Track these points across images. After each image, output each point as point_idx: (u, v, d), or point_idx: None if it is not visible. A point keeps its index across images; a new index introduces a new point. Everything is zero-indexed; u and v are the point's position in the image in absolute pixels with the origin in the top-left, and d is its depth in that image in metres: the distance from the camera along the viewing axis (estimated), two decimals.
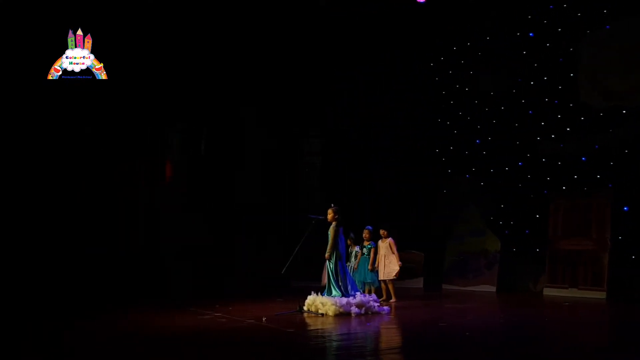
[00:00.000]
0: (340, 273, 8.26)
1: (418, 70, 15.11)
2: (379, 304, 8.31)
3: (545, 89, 13.23)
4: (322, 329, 6.90)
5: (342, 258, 8.41)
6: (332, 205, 8.57)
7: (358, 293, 8.38)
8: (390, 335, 6.76)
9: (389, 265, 9.94)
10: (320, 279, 13.35)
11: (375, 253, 10.08)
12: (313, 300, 8.19)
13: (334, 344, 5.98)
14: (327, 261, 8.29)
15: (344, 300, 7.96)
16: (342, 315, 7.82)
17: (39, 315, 7.93)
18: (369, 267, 9.93)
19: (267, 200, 14.49)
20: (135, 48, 11.40)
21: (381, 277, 10.01)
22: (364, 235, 10.27)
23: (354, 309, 7.89)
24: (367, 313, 8.02)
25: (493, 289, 12.22)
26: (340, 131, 15.70)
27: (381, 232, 10.22)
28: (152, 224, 12.27)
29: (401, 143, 15.02)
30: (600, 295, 10.48)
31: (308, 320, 7.56)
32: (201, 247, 13.39)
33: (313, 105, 15.35)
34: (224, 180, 13.68)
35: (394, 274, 9.93)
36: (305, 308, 8.19)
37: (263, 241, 14.47)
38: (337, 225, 8.37)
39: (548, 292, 11.40)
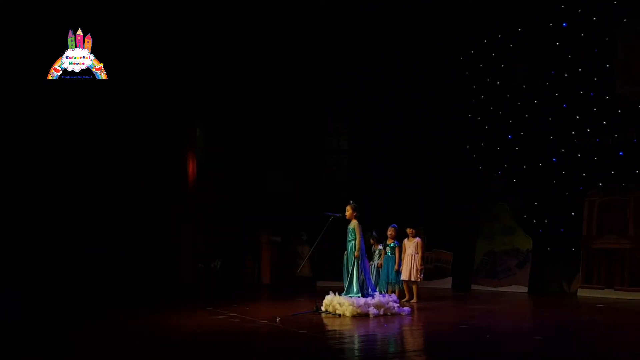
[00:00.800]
0: (363, 272, 7.98)
1: (435, 64, 14.76)
2: (398, 305, 7.99)
3: (580, 81, 12.68)
4: (336, 330, 6.64)
5: (364, 256, 8.14)
6: (351, 202, 8.30)
7: (376, 293, 8.08)
8: (404, 338, 6.43)
9: (415, 265, 9.61)
10: (341, 278, 13.20)
11: (400, 252, 9.76)
12: (331, 301, 7.93)
13: (345, 346, 5.70)
14: (355, 259, 8.00)
15: (362, 300, 7.67)
16: (360, 316, 7.54)
17: (46, 314, 7.91)
18: (395, 267, 9.62)
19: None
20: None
21: (405, 277, 9.68)
22: (388, 233, 9.96)
23: (372, 310, 7.59)
24: (385, 314, 7.71)
25: (525, 289, 11.73)
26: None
27: (408, 230, 9.90)
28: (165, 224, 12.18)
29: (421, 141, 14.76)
30: (639, 296, 9.90)
31: (324, 321, 7.30)
32: (228, 246, 13.35)
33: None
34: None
35: (419, 275, 9.61)
36: (322, 308, 7.95)
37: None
38: (359, 222, 8.10)
39: (583, 292, 10.85)
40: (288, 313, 7.67)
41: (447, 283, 13.00)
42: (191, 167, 13.43)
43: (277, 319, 7.17)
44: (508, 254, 12.31)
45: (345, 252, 8.25)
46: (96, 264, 10.76)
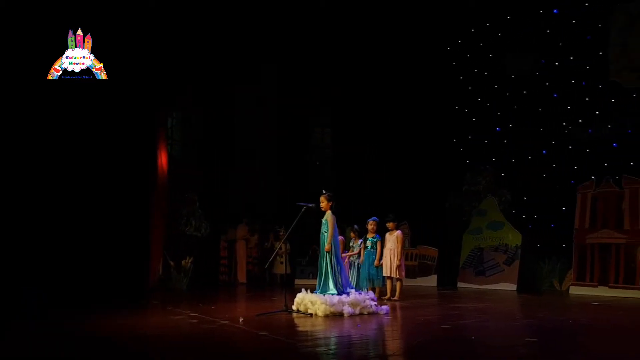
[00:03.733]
0: (338, 267, 7.26)
1: (421, 54, 14.18)
2: (376, 303, 7.27)
3: (571, 69, 12.11)
4: (304, 331, 5.92)
5: (338, 251, 7.41)
6: (324, 192, 7.58)
7: (352, 290, 7.37)
8: (380, 340, 5.72)
9: (395, 261, 8.91)
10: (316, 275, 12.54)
11: (382, 246, 9.07)
12: (302, 299, 7.22)
13: (310, 349, 4.98)
14: (326, 254, 7.28)
15: (336, 298, 6.95)
16: (334, 315, 6.82)
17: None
18: (375, 262, 8.93)
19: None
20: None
21: (386, 273, 8.99)
22: (368, 227, 9.25)
23: (347, 309, 6.87)
24: (361, 313, 7.00)
25: (513, 287, 11.08)
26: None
27: (388, 224, 9.20)
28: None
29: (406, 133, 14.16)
30: (634, 294, 9.28)
31: (293, 322, 6.57)
32: (202, 243, 12.58)
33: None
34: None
35: (399, 271, 8.91)
36: (294, 307, 7.23)
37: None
38: (334, 214, 7.39)
39: (575, 290, 10.22)
40: (255, 313, 6.94)
41: (432, 281, 12.33)
42: (164, 160, 12.65)
43: (240, 320, 6.45)
44: (496, 250, 11.66)
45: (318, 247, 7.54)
46: (65, 262, 10.22)
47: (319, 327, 6.14)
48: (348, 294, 7.14)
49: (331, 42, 14.06)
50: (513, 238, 11.51)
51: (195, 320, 6.52)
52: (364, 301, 7.09)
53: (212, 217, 12.32)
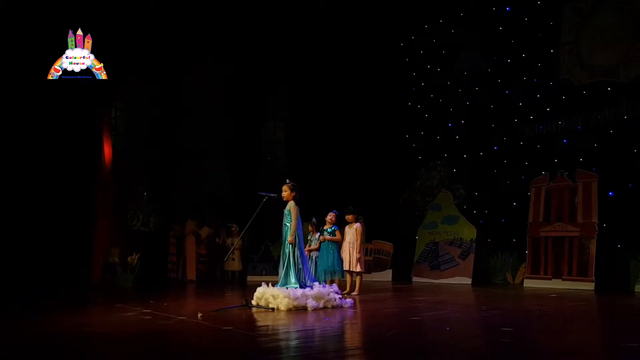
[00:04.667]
0: (301, 260, 6.95)
1: (374, 50, 14.09)
2: (340, 297, 7.02)
3: (523, 67, 12.27)
4: (268, 325, 5.58)
5: (302, 243, 7.10)
6: (288, 181, 7.25)
7: (316, 283, 7.07)
8: (356, 332, 5.45)
9: (355, 254, 8.68)
10: (276, 272, 12.16)
11: (342, 235, 8.81)
12: (262, 293, 6.87)
13: (278, 344, 4.67)
14: (289, 246, 6.95)
15: (299, 292, 6.64)
16: (297, 309, 6.51)
17: None
18: (342, 246, 8.66)
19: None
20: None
21: (346, 267, 8.75)
22: (327, 218, 8.97)
23: (310, 302, 6.58)
24: (325, 307, 6.73)
25: (468, 281, 11.09)
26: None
27: (347, 217, 8.95)
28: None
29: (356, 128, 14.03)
30: (587, 286, 9.42)
31: (254, 316, 6.22)
32: (151, 238, 12.00)
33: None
34: None
35: (358, 265, 8.69)
36: (253, 302, 6.87)
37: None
38: (297, 204, 7.07)
39: (529, 283, 10.31)
40: (212, 309, 6.54)
41: (387, 276, 12.22)
42: (107, 152, 11.99)
43: (199, 315, 6.04)
44: (451, 244, 11.65)
45: (281, 239, 7.20)
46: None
47: (284, 321, 5.81)
48: (312, 287, 6.84)
49: (284, 35, 13.77)
50: (468, 232, 11.53)
51: (148, 317, 6.07)
52: (328, 294, 6.82)
53: (161, 212, 11.73)
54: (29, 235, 10.24)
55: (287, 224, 7.06)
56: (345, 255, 8.79)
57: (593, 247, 9.57)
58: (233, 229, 12.86)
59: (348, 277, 8.82)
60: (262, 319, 5.99)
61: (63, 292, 9.25)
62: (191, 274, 12.68)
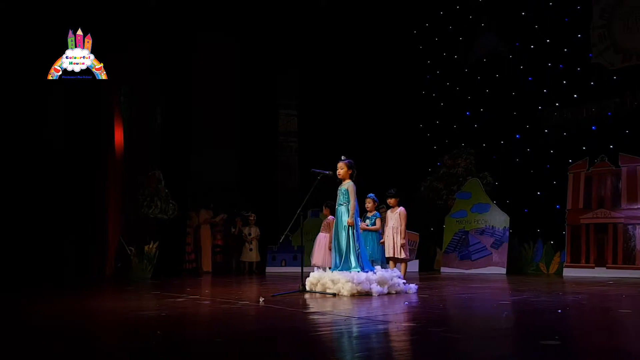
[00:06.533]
0: (359, 243, 6.42)
1: (388, 37, 13.68)
2: (404, 281, 6.50)
3: (547, 52, 11.89)
4: (346, 309, 5.03)
5: (358, 225, 6.57)
6: (344, 157, 6.72)
7: (378, 267, 6.57)
8: (460, 316, 4.91)
9: (399, 240, 8.17)
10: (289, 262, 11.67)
11: (383, 223, 8.30)
12: (318, 279, 6.34)
13: (384, 326, 4.12)
14: (348, 228, 6.42)
15: (363, 275, 6.11)
16: (360, 295, 5.99)
17: None
18: (382, 238, 8.15)
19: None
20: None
21: (389, 253, 8.24)
22: (366, 205, 8.45)
23: (375, 287, 6.06)
24: (389, 292, 6.22)
25: (502, 270, 10.67)
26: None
27: (389, 200, 8.43)
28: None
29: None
30: (635, 274, 9.04)
31: (323, 302, 5.64)
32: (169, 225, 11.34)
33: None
34: None
35: (404, 252, 8.19)
36: (307, 288, 6.34)
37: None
38: (354, 184, 6.54)
39: (569, 272, 9.90)
40: (263, 295, 5.95)
41: (414, 266, 11.73)
42: (118, 137, 11.34)
43: (261, 299, 5.49)
44: (482, 233, 11.22)
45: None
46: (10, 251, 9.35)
47: (361, 307, 5.27)
48: (374, 271, 6.32)
49: (299, 26, 13.30)
50: (500, 220, 11.11)
51: (207, 302, 5.50)
52: (392, 279, 6.31)
53: (179, 198, 11.10)
54: (37, 229, 9.68)
55: (342, 203, 6.53)
56: (388, 241, 8.26)
57: None
58: (250, 217, 12.30)
59: (391, 264, 8.31)
60: (334, 304, 5.40)
61: (79, 284, 8.60)
62: (207, 266, 12.09)
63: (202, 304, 5.40)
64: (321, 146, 13.93)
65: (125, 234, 10.96)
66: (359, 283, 5.98)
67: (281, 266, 12.05)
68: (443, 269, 11.47)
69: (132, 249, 10.62)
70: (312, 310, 4.97)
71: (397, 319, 4.40)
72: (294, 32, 13.62)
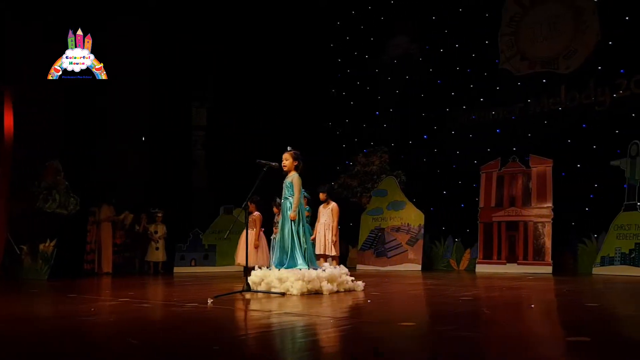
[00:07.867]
0: (305, 238, 6.08)
1: (298, 36, 13.48)
2: (353, 278, 6.25)
3: (456, 56, 12.29)
4: (304, 308, 4.68)
5: (304, 219, 6.23)
6: (289, 148, 6.35)
7: (326, 264, 6.27)
8: (416, 310, 4.72)
9: (330, 236, 7.97)
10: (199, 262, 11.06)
11: (315, 220, 8.05)
12: (262, 277, 5.92)
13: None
14: (291, 223, 6.05)
15: (314, 273, 5.78)
16: (310, 293, 5.66)
17: None
18: (312, 236, 7.86)
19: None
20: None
21: (320, 250, 8.00)
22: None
23: (326, 285, 5.76)
24: (338, 290, 5.94)
25: (417, 267, 10.83)
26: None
27: (321, 195, 8.19)
28: None
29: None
30: (544, 269, 9.53)
31: (273, 301, 5.25)
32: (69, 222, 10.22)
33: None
34: None
35: (335, 247, 8.00)
36: (250, 288, 5.89)
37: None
38: (300, 176, 6.19)
39: (482, 269, 10.25)
40: (204, 297, 5.42)
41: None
42: (8, 122, 10.07)
43: (209, 301, 4.98)
44: (398, 230, 11.32)
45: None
46: None
47: (322, 305, 4.94)
48: (323, 268, 6.01)
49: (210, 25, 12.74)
50: (415, 218, 11.27)
51: (146, 305, 4.88)
52: (340, 276, 6.04)
53: (81, 191, 10.05)
54: None
55: (289, 197, 6.18)
56: (319, 237, 8.04)
57: (549, 231, 9.71)
58: (158, 215, 11.49)
59: (321, 261, 8.07)
60: (286, 304, 5.04)
61: None
62: (107, 266, 11.08)
63: (145, 307, 4.78)
64: (230, 141, 13.43)
65: (13, 231, 9.74)
66: (310, 281, 5.66)
67: (191, 266, 11.37)
68: (359, 266, 11.44)
69: (24, 247, 9.47)
70: (284, 310, 4.56)
71: (393, 319, 4.13)
72: (209, 28, 12.93)
